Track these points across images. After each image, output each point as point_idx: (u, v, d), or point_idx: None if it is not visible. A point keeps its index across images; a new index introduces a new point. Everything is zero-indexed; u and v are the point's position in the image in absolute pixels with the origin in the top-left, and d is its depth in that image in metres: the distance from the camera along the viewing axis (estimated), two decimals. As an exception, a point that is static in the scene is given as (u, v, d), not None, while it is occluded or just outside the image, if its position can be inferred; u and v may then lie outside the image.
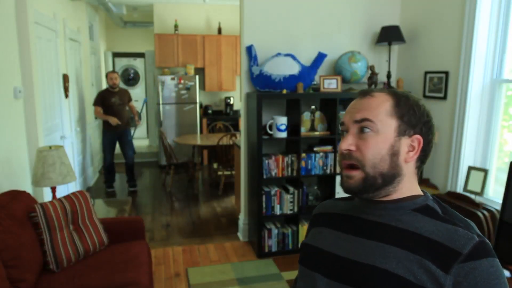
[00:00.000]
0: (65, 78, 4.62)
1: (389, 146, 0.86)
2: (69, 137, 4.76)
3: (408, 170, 0.89)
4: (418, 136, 0.87)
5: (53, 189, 2.85)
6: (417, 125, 0.87)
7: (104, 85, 7.85)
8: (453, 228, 0.81)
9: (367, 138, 0.86)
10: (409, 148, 0.87)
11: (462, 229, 0.81)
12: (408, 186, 0.89)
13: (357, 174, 0.87)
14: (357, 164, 0.87)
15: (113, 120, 5.15)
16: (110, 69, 8.92)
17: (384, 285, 0.80)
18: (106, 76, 5.31)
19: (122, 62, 9.16)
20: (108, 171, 5.52)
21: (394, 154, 0.86)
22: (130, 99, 5.54)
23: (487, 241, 0.81)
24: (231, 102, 7.36)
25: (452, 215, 0.86)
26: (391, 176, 0.86)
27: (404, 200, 0.88)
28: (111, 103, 5.23)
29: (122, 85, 8.89)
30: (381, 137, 0.86)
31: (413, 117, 0.87)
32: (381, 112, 0.87)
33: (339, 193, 3.57)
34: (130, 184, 5.65)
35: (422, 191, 0.92)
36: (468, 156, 3.07)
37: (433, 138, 0.90)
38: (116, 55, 9.08)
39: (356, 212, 0.93)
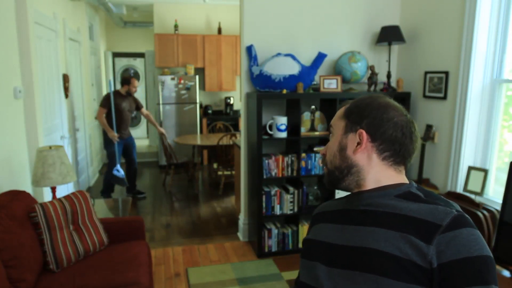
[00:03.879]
0: (65, 78, 4.62)
1: (338, 143, 1.02)
2: (69, 137, 4.75)
3: (367, 161, 0.99)
4: (360, 130, 0.98)
5: (53, 189, 2.85)
6: (361, 121, 0.99)
7: (104, 85, 7.85)
8: (434, 206, 0.90)
9: (329, 141, 1.06)
10: (357, 142, 0.99)
11: (441, 206, 0.90)
12: (378, 176, 0.99)
13: (325, 171, 1.06)
14: (324, 164, 1.07)
15: (112, 135, 4.71)
16: (110, 69, 8.91)
17: (375, 262, 0.88)
18: (128, 81, 4.84)
19: (122, 62, 9.16)
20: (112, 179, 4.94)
21: (342, 149, 1.01)
22: (141, 106, 5.15)
23: (467, 215, 0.88)
24: (231, 102, 7.36)
25: (434, 198, 0.95)
26: (346, 168, 1.00)
27: (387, 188, 0.98)
28: (121, 108, 4.82)
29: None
30: (334, 137, 1.04)
31: (357, 115, 1.00)
32: (336, 117, 1.05)
33: (339, 193, 3.56)
34: (135, 191, 5.27)
35: (408, 180, 1.02)
36: (468, 156, 3.07)
37: (396, 132, 0.97)
38: (116, 55, 9.08)
39: (348, 205, 1.04)
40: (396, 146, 0.97)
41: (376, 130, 0.97)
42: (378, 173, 0.99)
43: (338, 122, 1.04)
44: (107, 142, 4.87)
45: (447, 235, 0.84)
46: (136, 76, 9.28)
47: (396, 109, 0.99)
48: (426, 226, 0.87)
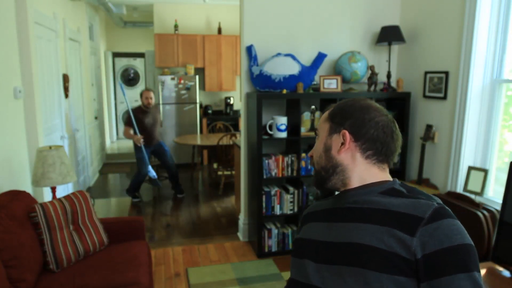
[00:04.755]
0: (65, 78, 4.62)
1: (323, 144, 1.06)
2: (69, 137, 4.76)
3: (351, 160, 1.03)
4: (344, 130, 1.03)
5: (53, 189, 2.85)
6: (344, 122, 1.03)
7: (105, 85, 7.85)
8: (415, 200, 0.94)
9: (315, 144, 1.11)
10: (341, 142, 1.03)
11: (423, 200, 0.94)
12: (362, 174, 1.03)
13: (313, 172, 1.12)
14: (312, 165, 1.12)
15: (137, 139, 4.83)
16: (110, 69, 8.91)
17: (361, 256, 0.92)
18: (141, 95, 4.98)
19: (122, 62, 9.16)
20: (140, 183, 5.15)
21: (326, 149, 1.05)
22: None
23: (447, 207, 0.93)
24: (231, 102, 7.36)
25: (417, 193, 0.99)
26: (331, 167, 1.04)
27: (372, 185, 1.02)
28: (145, 125, 4.91)
29: (122, 85, 8.90)
30: (319, 139, 1.09)
31: (341, 116, 1.04)
32: (321, 121, 1.10)
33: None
34: (178, 190, 5.39)
35: (393, 178, 1.06)
36: (468, 156, 3.07)
37: (378, 132, 1.01)
38: (116, 55, 9.08)
39: (335, 204, 1.07)
40: (378, 145, 1.01)
41: (359, 130, 1.01)
42: (362, 171, 1.03)
43: (323, 125, 1.09)
44: (136, 149, 5.03)
45: (430, 226, 0.88)
46: (136, 77, 9.26)
47: (377, 110, 1.03)
48: (409, 219, 0.90)
